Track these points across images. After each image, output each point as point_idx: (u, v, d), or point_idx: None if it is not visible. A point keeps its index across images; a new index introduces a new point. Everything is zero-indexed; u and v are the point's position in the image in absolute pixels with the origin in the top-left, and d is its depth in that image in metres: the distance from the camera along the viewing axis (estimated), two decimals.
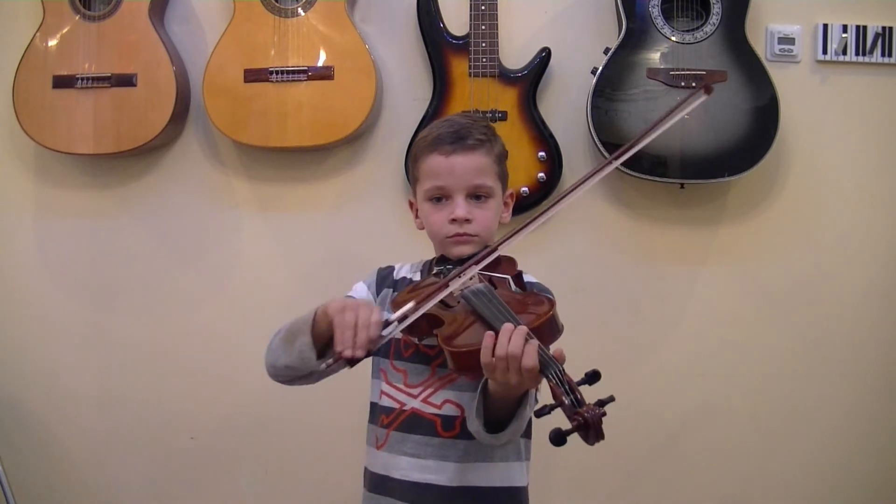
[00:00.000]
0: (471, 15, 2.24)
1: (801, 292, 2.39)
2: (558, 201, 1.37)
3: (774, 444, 2.40)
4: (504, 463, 1.46)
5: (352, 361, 1.29)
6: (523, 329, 1.22)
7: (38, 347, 2.49)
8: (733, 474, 2.41)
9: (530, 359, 1.20)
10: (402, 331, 1.41)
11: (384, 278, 1.58)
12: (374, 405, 1.53)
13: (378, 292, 1.56)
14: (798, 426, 2.41)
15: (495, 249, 1.38)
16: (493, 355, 1.22)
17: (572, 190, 1.37)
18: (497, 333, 1.24)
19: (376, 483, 1.49)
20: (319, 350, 1.39)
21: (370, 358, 1.54)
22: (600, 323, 2.38)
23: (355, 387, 1.60)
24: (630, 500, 2.42)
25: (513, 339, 1.21)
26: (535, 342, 1.22)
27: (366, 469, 1.54)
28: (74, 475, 2.49)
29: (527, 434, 1.49)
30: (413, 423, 1.45)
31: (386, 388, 1.49)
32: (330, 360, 1.30)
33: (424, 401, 1.45)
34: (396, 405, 1.47)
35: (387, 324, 1.32)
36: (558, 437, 1.15)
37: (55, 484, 2.49)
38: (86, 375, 2.48)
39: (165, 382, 2.45)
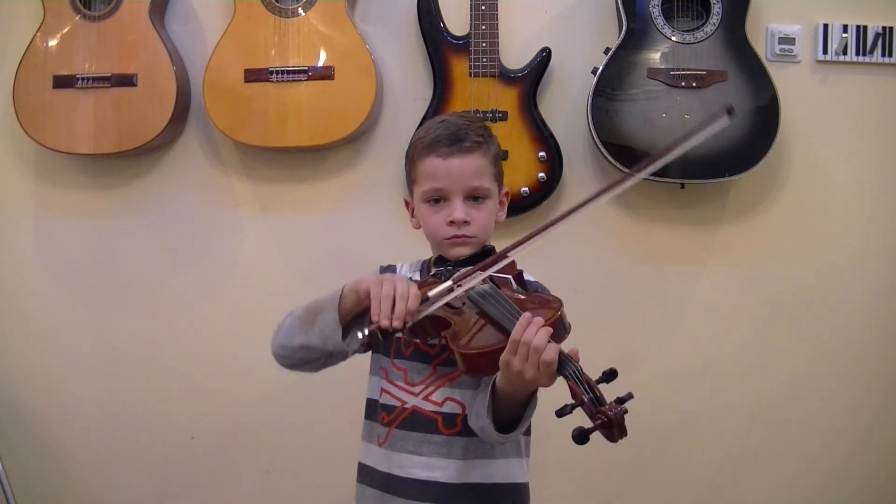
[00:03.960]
0: (471, 15, 2.24)
1: (801, 292, 2.39)
2: (569, 214, 1.37)
3: (775, 444, 2.40)
4: (505, 460, 1.47)
5: (386, 333, 1.30)
6: (547, 329, 1.23)
7: (38, 347, 2.49)
8: (733, 474, 2.41)
9: (550, 353, 1.21)
10: (405, 333, 1.42)
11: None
12: (373, 402, 1.53)
13: None
14: (799, 426, 2.40)
15: (505, 255, 1.38)
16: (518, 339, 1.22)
17: (587, 202, 1.36)
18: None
19: (378, 480, 1.49)
20: (343, 329, 1.39)
21: (370, 354, 1.55)
22: (600, 323, 2.38)
23: (355, 387, 1.60)
24: (629, 498, 2.42)
25: (539, 334, 1.22)
26: (553, 344, 1.22)
27: (361, 464, 1.54)
28: (75, 475, 2.49)
29: (527, 432, 1.50)
30: (414, 421, 1.46)
31: (387, 386, 1.49)
32: (365, 331, 1.31)
33: (425, 399, 1.46)
34: (398, 403, 1.47)
35: (426, 298, 1.33)
36: (582, 436, 1.15)
37: (55, 484, 2.49)
38: (86, 375, 2.48)
39: (165, 382, 2.45)
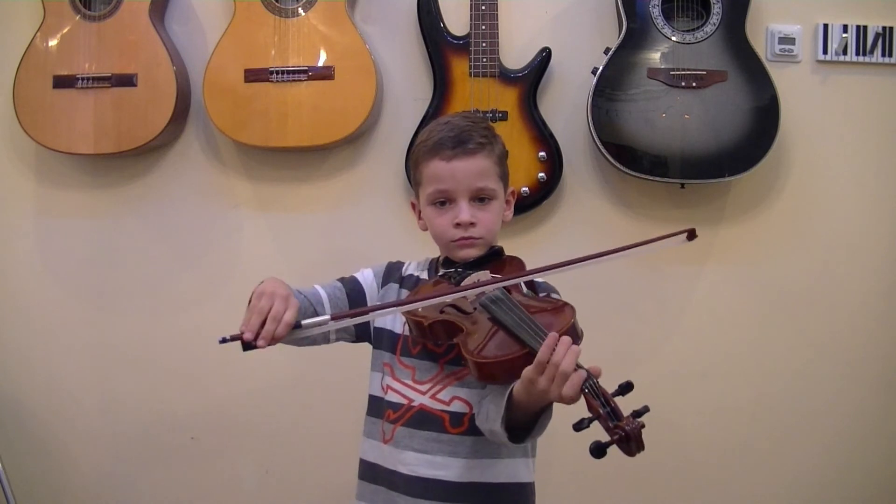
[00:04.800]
0: (471, 15, 2.24)
1: (801, 292, 2.39)
2: (600, 256, 1.46)
3: (775, 444, 2.40)
4: (511, 459, 1.47)
5: (247, 346, 1.29)
6: (575, 351, 1.22)
7: (38, 347, 2.49)
8: (734, 474, 2.41)
9: (578, 377, 1.20)
10: (415, 335, 1.41)
11: (391, 272, 1.60)
12: (377, 399, 1.52)
13: (383, 284, 1.58)
14: (800, 426, 2.41)
15: (519, 277, 1.40)
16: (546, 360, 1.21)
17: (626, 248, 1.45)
18: (530, 346, 1.24)
19: (382, 477, 1.49)
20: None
21: (371, 350, 1.55)
22: (600, 323, 2.38)
23: (356, 386, 1.60)
24: (632, 499, 2.41)
25: (567, 357, 1.20)
26: (582, 371, 1.21)
27: (364, 461, 1.54)
28: (75, 475, 2.49)
29: None
30: (421, 420, 1.45)
31: (393, 383, 1.49)
32: (227, 337, 1.30)
33: (433, 397, 1.46)
34: (404, 401, 1.47)
35: (299, 325, 1.31)
36: (599, 450, 1.15)
37: (55, 484, 2.49)
38: (86, 375, 2.48)
39: (165, 382, 2.45)
